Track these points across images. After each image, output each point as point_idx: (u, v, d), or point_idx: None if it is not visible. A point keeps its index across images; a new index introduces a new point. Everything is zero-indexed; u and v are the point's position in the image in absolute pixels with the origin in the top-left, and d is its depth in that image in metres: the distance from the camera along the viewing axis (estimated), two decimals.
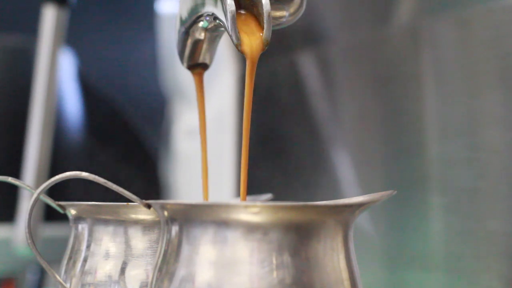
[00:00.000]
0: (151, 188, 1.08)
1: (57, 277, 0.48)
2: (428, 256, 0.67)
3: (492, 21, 0.62)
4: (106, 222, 0.47)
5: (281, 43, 0.83)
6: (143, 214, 0.46)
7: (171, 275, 0.40)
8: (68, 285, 0.47)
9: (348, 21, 0.78)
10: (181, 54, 0.53)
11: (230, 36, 0.45)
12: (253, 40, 0.46)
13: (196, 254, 0.39)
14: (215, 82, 0.92)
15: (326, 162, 0.78)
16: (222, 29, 0.49)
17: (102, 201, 0.47)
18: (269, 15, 0.45)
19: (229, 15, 0.45)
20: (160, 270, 0.41)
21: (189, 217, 0.40)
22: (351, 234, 0.42)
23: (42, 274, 0.96)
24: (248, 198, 0.50)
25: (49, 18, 0.87)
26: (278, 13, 0.48)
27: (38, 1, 0.88)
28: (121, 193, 0.44)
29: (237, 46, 0.45)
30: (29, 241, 0.46)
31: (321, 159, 0.79)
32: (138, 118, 1.14)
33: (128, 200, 0.45)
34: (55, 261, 0.52)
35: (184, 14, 0.51)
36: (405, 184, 0.69)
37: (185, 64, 0.53)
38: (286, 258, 0.39)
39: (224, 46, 0.88)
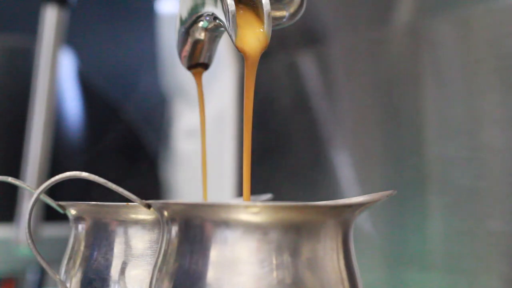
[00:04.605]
0: (151, 188, 1.08)
1: (57, 277, 0.48)
2: (428, 256, 0.67)
3: (492, 21, 0.62)
4: (106, 222, 0.47)
5: (281, 43, 0.83)
6: (143, 214, 0.46)
7: (171, 275, 0.40)
8: (68, 285, 0.47)
9: (348, 21, 0.78)
10: (181, 54, 0.53)
11: (230, 36, 0.45)
12: (253, 40, 0.46)
13: (196, 254, 0.39)
14: (215, 82, 0.92)
15: (326, 162, 0.78)
16: (222, 29, 0.49)
17: (102, 201, 0.47)
18: (269, 15, 0.45)
19: (229, 15, 0.45)
20: (160, 270, 0.41)
21: (189, 217, 0.40)
22: (351, 234, 0.42)
23: (42, 274, 0.96)
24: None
25: (49, 18, 0.87)
26: (278, 13, 0.48)
27: (38, 1, 0.88)
28: (121, 193, 0.44)
29: (237, 46, 0.45)
30: (29, 241, 0.46)
31: (321, 159, 0.79)
32: (138, 118, 1.14)
33: (128, 200, 0.45)
34: (55, 261, 0.52)
35: (184, 14, 0.51)
36: (405, 184, 0.69)
37: (185, 64, 0.53)
38: (286, 258, 0.39)
39: (224, 46, 0.88)
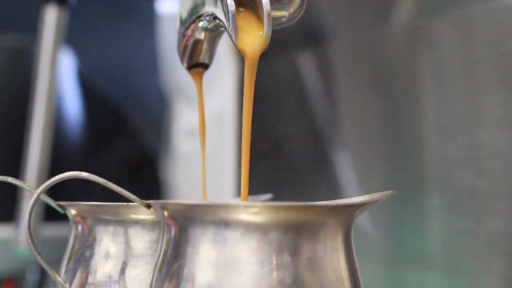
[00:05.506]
0: (151, 188, 1.08)
1: (57, 277, 0.48)
2: (428, 256, 0.67)
3: (492, 21, 0.62)
4: (106, 222, 0.47)
5: (281, 43, 0.83)
6: (143, 214, 0.46)
7: (171, 275, 0.40)
8: (68, 285, 0.47)
9: (348, 21, 0.78)
10: (181, 54, 0.53)
11: (230, 36, 0.45)
12: (253, 40, 0.46)
13: (196, 254, 0.39)
14: (215, 82, 0.92)
15: (326, 162, 0.78)
16: (222, 29, 0.49)
17: (102, 201, 0.47)
18: (269, 15, 0.45)
19: (229, 15, 0.45)
20: (160, 270, 0.41)
21: (189, 217, 0.40)
22: (351, 234, 0.42)
23: (42, 274, 0.96)
24: (248, 198, 0.50)
25: (49, 18, 0.87)
26: (278, 13, 0.48)
27: (38, 1, 0.88)
28: (121, 193, 0.44)
29: (237, 46, 0.45)
30: (29, 241, 0.46)
31: (321, 159, 0.79)
32: (138, 118, 1.14)
33: (128, 200, 0.45)
34: (55, 261, 0.52)
35: (184, 14, 0.51)
36: (405, 184, 0.69)
37: (185, 64, 0.53)
38: (286, 258, 0.39)
39: (224, 46, 0.88)
